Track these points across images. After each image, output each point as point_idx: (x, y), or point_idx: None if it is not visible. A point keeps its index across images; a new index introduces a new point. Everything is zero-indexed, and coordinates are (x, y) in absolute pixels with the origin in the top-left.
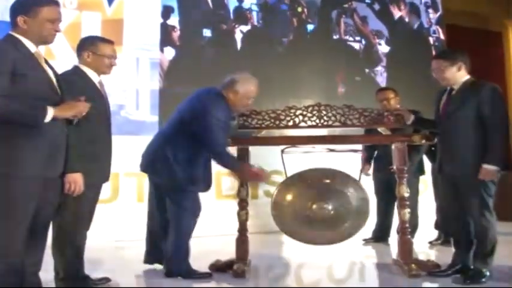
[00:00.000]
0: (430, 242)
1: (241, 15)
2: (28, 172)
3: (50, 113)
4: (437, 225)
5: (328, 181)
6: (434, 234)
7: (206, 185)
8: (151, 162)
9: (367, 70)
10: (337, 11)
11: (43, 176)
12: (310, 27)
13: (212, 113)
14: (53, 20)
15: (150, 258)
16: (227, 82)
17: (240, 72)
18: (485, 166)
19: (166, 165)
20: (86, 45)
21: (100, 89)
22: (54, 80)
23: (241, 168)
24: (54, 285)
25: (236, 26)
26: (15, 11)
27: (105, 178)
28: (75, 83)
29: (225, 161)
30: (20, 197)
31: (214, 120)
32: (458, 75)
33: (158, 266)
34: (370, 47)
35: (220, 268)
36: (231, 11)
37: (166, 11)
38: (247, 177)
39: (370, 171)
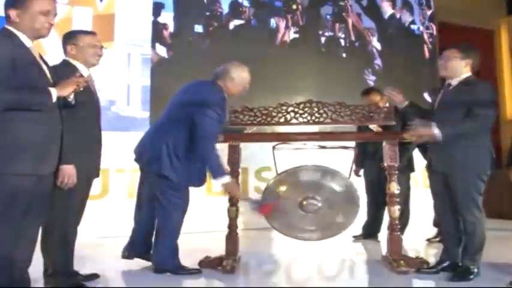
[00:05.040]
0: (428, 240)
1: (237, 10)
2: (21, 169)
3: (54, 92)
4: (436, 223)
5: (318, 178)
6: (432, 231)
7: (202, 181)
8: (150, 158)
9: (360, 67)
10: (334, 8)
11: (36, 173)
12: (303, 24)
13: (211, 103)
14: (45, 12)
15: (130, 252)
16: (221, 71)
17: (229, 62)
18: (434, 130)
19: (166, 160)
20: (68, 39)
21: (89, 83)
22: (49, 75)
23: (228, 182)
24: (42, 281)
25: (231, 20)
26: (7, 4)
27: (95, 173)
28: (64, 76)
29: (211, 159)
30: (13, 195)
31: (212, 112)
32: (462, 70)
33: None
34: (364, 44)
35: (210, 264)
36: (224, 6)
37: (157, 8)
38: (232, 192)
39: (361, 172)
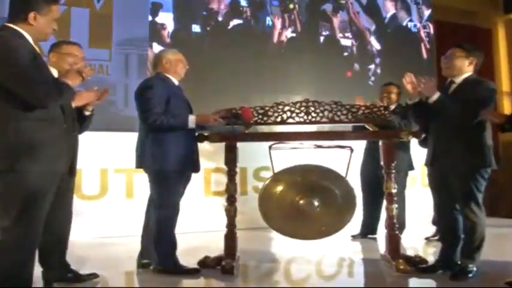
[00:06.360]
0: (427, 238)
1: (237, 10)
2: (40, 168)
3: (65, 81)
4: (435, 221)
5: (314, 177)
6: (430, 229)
7: (192, 166)
8: (138, 156)
9: (358, 66)
10: (333, 6)
11: (53, 171)
12: (301, 23)
13: (138, 93)
14: (56, 18)
15: (144, 262)
16: (154, 62)
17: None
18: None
19: (146, 153)
20: (52, 48)
21: None
22: None
23: (201, 117)
24: (41, 282)
25: (230, 20)
26: (27, 5)
27: (66, 170)
28: None
29: (170, 126)
30: (33, 193)
31: (141, 99)
32: (466, 69)
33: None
34: (363, 43)
35: (209, 264)
36: (224, 5)
37: (155, 8)
38: (209, 120)
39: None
